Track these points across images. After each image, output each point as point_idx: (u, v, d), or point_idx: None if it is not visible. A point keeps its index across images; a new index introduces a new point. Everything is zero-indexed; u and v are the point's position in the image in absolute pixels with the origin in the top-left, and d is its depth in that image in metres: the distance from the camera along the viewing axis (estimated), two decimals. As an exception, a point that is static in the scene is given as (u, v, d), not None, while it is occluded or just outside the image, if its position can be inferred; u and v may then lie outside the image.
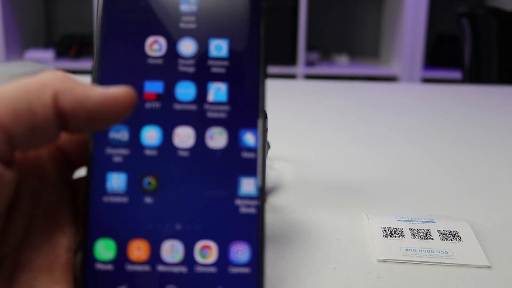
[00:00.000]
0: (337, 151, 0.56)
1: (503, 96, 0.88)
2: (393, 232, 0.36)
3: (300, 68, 2.14)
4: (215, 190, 0.24)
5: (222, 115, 0.24)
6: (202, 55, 0.25)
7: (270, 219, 0.38)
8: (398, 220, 0.38)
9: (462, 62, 1.53)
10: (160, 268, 0.23)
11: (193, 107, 0.24)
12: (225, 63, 0.25)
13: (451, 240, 0.35)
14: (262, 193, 0.24)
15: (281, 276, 0.31)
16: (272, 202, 0.42)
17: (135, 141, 0.24)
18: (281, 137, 0.61)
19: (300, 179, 0.47)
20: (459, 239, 0.35)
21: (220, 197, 0.24)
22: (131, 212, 0.23)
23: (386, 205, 0.42)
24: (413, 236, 0.36)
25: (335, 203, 0.42)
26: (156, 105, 0.24)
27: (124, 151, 0.24)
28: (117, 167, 0.24)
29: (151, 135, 0.24)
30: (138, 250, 0.23)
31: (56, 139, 0.21)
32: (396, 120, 0.70)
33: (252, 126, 0.24)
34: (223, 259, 0.23)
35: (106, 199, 0.23)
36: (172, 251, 0.23)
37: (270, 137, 0.57)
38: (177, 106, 0.24)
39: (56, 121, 0.20)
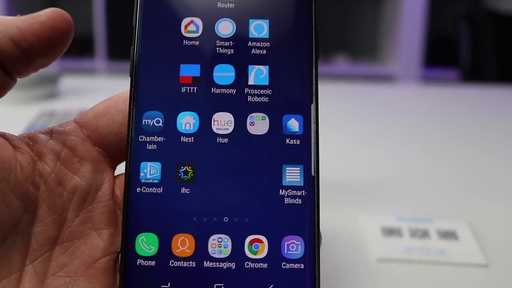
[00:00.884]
0: (337, 151, 0.56)
1: (502, 96, 0.89)
2: (392, 232, 0.37)
3: (299, 68, 2.13)
4: (257, 180, 0.22)
5: (264, 100, 0.23)
6: (242, 36, 0.23)
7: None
8: (397, 220, 0.38)
9: (461, 61, 1.54)
10: (207, 263, 0.21)
11: (232, 91, 0.23)
12: (267, 44, 0.23)
13: (448, 239, 0.36)
14: (314, 183, 0.22)
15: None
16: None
17: (170, 128, 0.22)
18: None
19: (301, 179, 0.47)
20: (457, 238, 0.36)
21: (263, 188, 0.22)
22: (172, 205, 0.22)
23: (385, 204, 0.42)
24: (412, 235, 0.36)
25: (334, 203, 0.42)
26: (193, 89, 0.23)
27: (159, 139, 0.22)
28: (151, 156, 0.22)
29: (187, 121, 0.23)
30: (183, 244, 0.21)
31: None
32: (395, 120, 0.71)
33: (297, 112, 0.23)
34: (275, 254, 0.21)
35: (142, 190, 0.22)
36: (219, 245, 0.21)
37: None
38: (215, 90, 0.23)
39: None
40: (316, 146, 0.22)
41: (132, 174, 0.22)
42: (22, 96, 0.69)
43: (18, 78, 0.21)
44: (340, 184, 0.46)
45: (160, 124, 0.22)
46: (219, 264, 0.21)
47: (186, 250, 0.21)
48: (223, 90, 0.23)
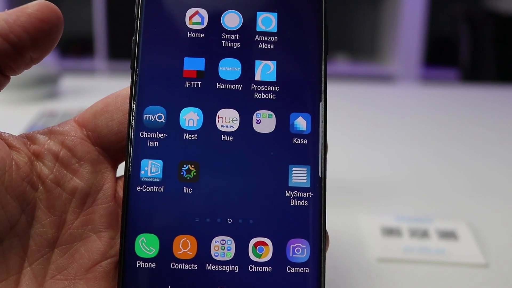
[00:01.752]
0: (337, 151, 0.56)
1: (502, 96, 0.89)
2: (391, 231, 0.37)
3: (299, 67, 2.14)
4: (263, 180, 0.21)
5: (271, 96, 0.22)
6: (249, 30, 0.22)
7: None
8: (396, 220, 0.38)
9: (460, 61, 1.54)
10: (209, 266, 0.20)
11: (238, 87, 0.22)
12: (275, 38, 0.22)
13: (448, 239, 0.36)
14: (320, 184, 0.21)
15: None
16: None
17: (173, 124, 0.21)
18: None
19: (300, 179, 0.47)
20: (456, 238, 0.36)
21: (269, 188, 0.21)
22: (173, 205, 0.21)
23: (385, 204, 0.42)
24: (412, 235, 0.36)
25: (334, 203, 0.42)
26: (197, 84, 0.22)
27: (161, 135, 0.21)
28: (153, 154, 0.21)
29: (191, 118, 0.22)
30: (184, 246, 0.21)
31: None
32: (395, 120, 0.71)
33: (305, 110, 0.22)
34: (280, 257, 0.21)
35: (142, 189, 0.21)
36: (222, 248, 0.21)
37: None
38: (220, 86, 0.22)
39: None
40: (324, 146, 0.22)
41: (132, 172, 0.21)
42: (22, 96, 0.69)
43: (13, 77, 0.21)
44: (340, 184, 0.46)
45: (162, 120, 0.22)
46: (222, 267, 0.20)
47: (188, 252, 0.21)
48: (229, 86, 0.22)
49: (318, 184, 0.22)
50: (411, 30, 1.95)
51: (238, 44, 0.22)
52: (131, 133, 0.21)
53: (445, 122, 0.70)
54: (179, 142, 0.21)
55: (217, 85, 0.22)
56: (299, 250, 0.21)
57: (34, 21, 0.20)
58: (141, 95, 0.22)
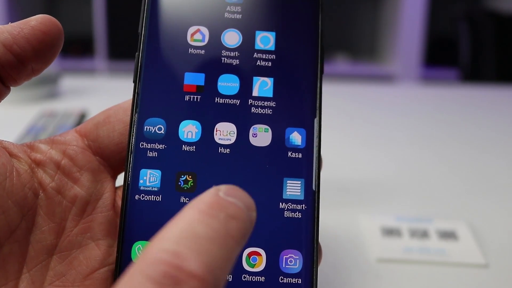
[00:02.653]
0: (336, 151, 0.56)
1: (502, 96, 0.89)
2: (391, 232, 0.37)
3: (299, 67, 2.13)
4: (258, 192, 0.22)
5: (268, 111, 0.23)
6: (248, 47, 0.23)
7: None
8: (396, 220, 0.39)
9: (460, 61, 1.54)
10: None
11: (236, 101, 0.23)
12: (272, 56, 0.23)
13: (448, 239, 0.36)
14: (314, 197, 0.22)
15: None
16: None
17: (172, 135, 0.22)
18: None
19: (300, 180, 0.47)
20: (456, 238, 0.36)
21: (263, 200, 0.22)
22: (170, 214, 0.20)
23: (385, 204, 0.42)
24: (412, 236, 0.36)
25: (334, 203, 0.42)
26: (196, 98, 0.23)
27: (160, 146, 0.22)
28: (151, 164, 0.22)
29: (189, 130, 0.22)
30: None
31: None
32: (395, 120, 0.71)
33: (300, 125, 0.23)
34: (273, 267, 0.21)
35: (140, 197, 0.21)
36: None
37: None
38: (219, 100, 0.23)
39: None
40: (318, 160, 0.22)
41: (131, 181, 0.22)
42: (22, 96, 0.69)
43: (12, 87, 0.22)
44: (340, 184, 0.46)
45: (162, 131, 0.22)
46: None
47: None
48: (227, 100, 0.23)
49: (312, 197, 0.22)
50: (411, 30, 1.96)
51: (237, 61, 0.23)
52: (132, 143, 0.22)
53: (445, 122, 0.70)
54: (177, 153, 0.22)
55: (216, 99, 0.23)
56: (292, 261, 0.21)
57: (37, 33, 0.20)
58: (142, 107, 0.23)
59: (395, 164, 0.53)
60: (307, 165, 0.22)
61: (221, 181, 0.22)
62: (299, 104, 0.23)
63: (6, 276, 0.20)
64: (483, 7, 2.06)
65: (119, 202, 0.23)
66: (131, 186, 0.22)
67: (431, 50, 2.14)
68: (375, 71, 2.10)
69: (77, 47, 2.10)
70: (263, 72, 0.23)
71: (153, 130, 0.22)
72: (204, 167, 0.22)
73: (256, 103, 0.23)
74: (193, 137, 0.22)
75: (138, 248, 0.21)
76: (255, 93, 0.23)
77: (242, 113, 0.23)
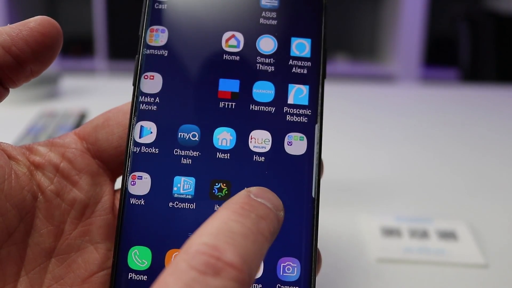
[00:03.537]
0: (336, 151, 0.56)
1: (502, 96, 0.89)
2: (391, 232, 0.37)
3: (299, 67, 2.13)
4: (292, 200, 0.21)
5: (303, 120, 0.22)
6: (283, 54, 0.23)
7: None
8: (396, 220, 0.39)
9: (460, 61, 1.54)
10: None
11: (271, 109, 0.22)
12: (308, 63, 0.23)
13: (448, 239, 0.36)
14: (313, 205, 0.22)
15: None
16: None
17: (168, 140, 0.22)
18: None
19: (300, 180, 0.47)
20: (456, 238, 0.36)
21: (290, 203, 0.21)
22: (164, 220, 0.21)
23: (385, 204, 0.42)
24: (411, 236, 0.36)
25: (334, 203, 0.42)
26: (231, 105, 0.22)
27: (154, 150, 0.22)
28: (150, 167, 0.22)
29: (224, 137, 0.22)
30: None
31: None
32: (395, 120, 0.71)
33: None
34: (271, 275, 0.21)
35: (132, 202, 0.21)
36: None
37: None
38: (254, 107, 0.22)
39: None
40: (318, 168, 0.22)
41: (128, 186, 0.22)
42: (22, 96, 0.69)
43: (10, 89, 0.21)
44: (340, 184, 0.46)
45: (196, 137, 0.22)
46: None
47: None
48: (262, 108, 0.22)
49: (311, 204, 0.22)
50: (411, 30, 1.96)
51: (272, 68, 0.23)
52: (130, 147, 0.22)
53: (445, 122, 0.70)
54: (173, 158, 0.22)
55: (251, 106, 0.22)
56: (289, 268, 0.21)
57: (35, 35, 0.20)
58: (140, 111, 0.22)
59: (395, 164, 0.53)
60: (307, 172, 0.22)
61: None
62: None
63: (4, 279, 0.20)
64: (483, 7, 2.06)
65: (118, 205, 0.23)
66: (128, 190, 0.22)
67: (431, 50, 2.14)
68: (375, 71, 2.10)
69: (77, 47, 2.10)
70: (299, 79, 0.23)
71: (187, 137, 0.22)
72: (202, 172, 0.22)
73: (291, 111, 0.22)
74: (228, 144, 0.22)
75: (135, 253, 0.21)
76: (290, 100, 0.23)
77: (277, 121, 0.22)
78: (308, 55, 0.23)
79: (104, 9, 1.95)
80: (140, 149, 0.22)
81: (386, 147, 0.59)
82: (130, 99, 0.23)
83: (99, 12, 1.96)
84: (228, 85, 0.23)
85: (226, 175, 0.22)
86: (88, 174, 0.23)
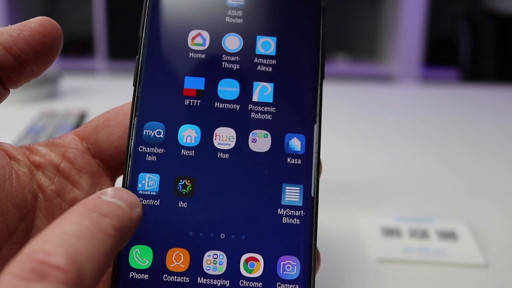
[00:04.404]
0: (336, 151, 0.56)
1: (502, 96, 0.89)
2: (391, 232, 0.37)
3: (299, 67, 2.13)
4: (257, 197, 0.22)
5: (267, 117, 0.23)
6: (248, 52, 0.23)
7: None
8: (396, 220, 0.39)
9: (460, 61, 1.54)
10: (201, 280, 0.21)
11: (236, 106, 0.23)
12: (273, 61, 0.23)
13: (448, 239, 0.36)
14: (312, 204, 0.22)
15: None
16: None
17: (171, 140, 0.22)
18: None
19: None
20: (456, 239, 0.36)
21: (262, 206, 0.22)
22: (168, 218, 0.21)
23: (384, 204, 0.42)
24: (411, 236, 0.36)
25: (334, 203, 0.42)
26: (196, 102, 0.23)
27: (159, 150, 0.22)
28: (150, 168, 0.22)
29: (189, 134, 0.22)
30: (177, 259, 0.21)
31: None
32: (395, 120, 0.71)
33: (299, 131, 0.23)
34: (270, 273, 0.21)
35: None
36: (214, 262, 0.21)
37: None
38: (219, 105, 0.23)
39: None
40: (317, 167, 0.22)
41: (129, 185, 0.22)
42: (22, 96, 0.69)
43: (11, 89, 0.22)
44: (340, 184, 0.46)
45: (161, 135, 0.22)
46: (213, 281, 0.21)
47: (180, 265, 0.21)
48: (227, 105, 0.23)
49: (310, 203, 0.22)
50: (411, 30, 1.96)
51: (238, 66, 0.23)
52: (131, 147, 0.22)
53: (445, 122, 0.70)
54: (176, 158, 0.22)
55: (216, 104, 0.23)
56: (289, 267, 0.21)
57: (36, 35, 0.21)
58: (142, 111, 0.23)
59: (395, 164, 0.53)
60: (306, 172, 0.22)
61: (219, 186, 0.22)
62: (299, 110, 0.23)
63: None
64: (483, 7, 2.06)
65: None
66: (130, 189, 0.22)
67: (431, 50, 2.14)
68: (375, 71, 2.10)
69: (77, 47, 2.10)
70: (264, 77, 0.23)
71: (152, 134, 0.22)
72: (203, 171, 0.22)
73: (256, 108, 0.23)
74: (193, 141, 0.22)
75: (136, 252, 0.21)
76: (255, 98, 0.23)
77: (241, 118, 0.23)
78: (273, 53, 0.23)
79: (104, 9, 1.95)
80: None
81: (386, 147, 0.59)
82: (131, 99, 0.23)
83: (99, 12, 1.96)
84: (193, 83, 0.23)
85: (190, 171, 0.22)
86: (89, 174, 0.23)
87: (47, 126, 0.55)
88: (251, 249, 0.21)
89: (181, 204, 0.22)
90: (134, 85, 0.23)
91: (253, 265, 0.21)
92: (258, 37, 0.23)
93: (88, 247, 0.15)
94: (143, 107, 0.23)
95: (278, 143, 0.22)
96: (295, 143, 0.22)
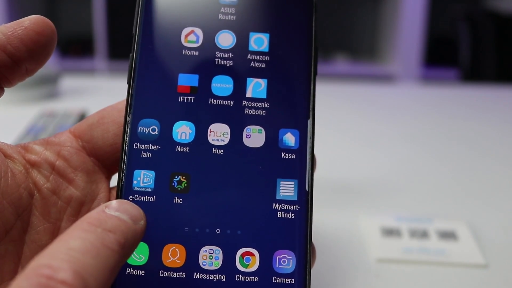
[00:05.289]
0: (336, 151, 0.56)
1: (502, 96, 0.89)
2: (391, 232, 0.37)
3: (299, 67, 2.13)
4: (251, 193, 0.22)
5: (261, 113, 0.23)
6: (241, 49, 0.23)
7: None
8: (396, 220, 0.39)
9: (460, 61, 1.54)
10: (197, 275, 0.21)
11: (229, 102, 0.23)
12: (266, 58, 0.23)
13: (448, 239, 0.36)
14: (307, 198, 0.22)
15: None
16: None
17: (166, 136, 0.22)
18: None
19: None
20: (456, 239, 0.36)
21: (257, 201, 0.22)
22: (164, 214, 0.21)
23: (384, 204, 0.42)
24: (411, 236, 0.36)
25: (334, 203, 0.42)
26: (190, 99, 0.23)
27: (154, 147, 0.22)
28: (145, 164, 0.22)
29: (183, 131, 0.22)
30: (173, 255, 0.21)
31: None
32: (395, 120, 0.71)
33: (293, 126, 0.23)
34: (266, 267, 0.21)
35: (134, 198, 0.22)
36: (210, 257, 0.21)
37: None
38: (213, 101, 0.23)
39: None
40: (311, 161, 0.22)
41: (125, 182, 0.22)
42: (22, 96, 0.69)
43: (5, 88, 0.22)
44: (340, 184, 0.46)
45: (156, 132, 0.22)
46: (209, 276, 0.21)
47: (176, 260, 0.21)
48: (221, 102, 0.23)
49: (305, 197, 0.22)
50: (411, 30, 1.96)
51: (231, 63, 0.23)
52: (125, 144, 0.22)
53: (445, 122, 0.70)
54: (171, 154, 0.22)
55: (210, 100, 0.23)
56: (285, 261, 0.21)
57: (30, 34, 0.21)
58: (136, 108, 0.23)
59: (395, 164, 0.53)
60: (300, 166, 0.22)
61: (214, 182, 0.22)
62: (292, 106, 0.23)
63: (2, 276, 0.20)
64: (483, 7, 2.06)
65: None
66: (125, 186, 0.22)
67: (431, 50, 2.14)
68: (375, 71, 2.10)
69: (77, 47, 2.10)
70: (257, 73, 0.23)
71: (147, 131, 0.22)
72: (198, 168, 0.22)
73: (249, 104, 0.23)
74: (187, 138, 0.22)
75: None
76: (248, 94, 0.23)
77: (235, 114, 0.23)
78: (267, 50, 0.23)
79: (104, 9, 1.95)
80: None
81: (386, 147, 0.59)
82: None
83: (99, 12, 1.96)
84: (187, 80, 0.23)
85: (185, 168, 0.22)
86: (84, 171, 0.23)
87: (47, 126, 0.55)
88: (246, 244, 0.21)
89: (177, 200, 0.22)
90: (128, 82, 0.23)
91: (249, 260, 0.21)
92: (251, 33, 0.24)
93: (93, 262, 0.16)
94: (138, 104, 0.23)
95: (272, 139, 0.23)
96: (289, 138, 0.23)
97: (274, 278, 0.21)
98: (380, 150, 0.57)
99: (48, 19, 0.21)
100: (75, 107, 0.64)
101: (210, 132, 0.22)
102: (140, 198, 0.22)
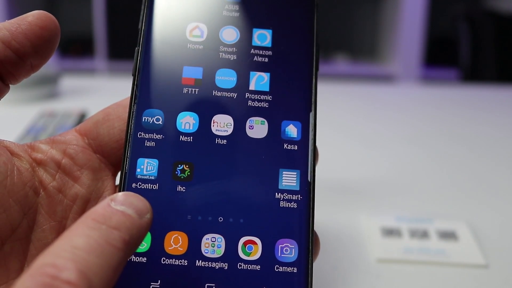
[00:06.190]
0: (336, 151, 0.56)
1: (502, 96, 0.89)
2: (391, 232, 0.37)
3: (299, 67, 2.13)
4: (254, 182, 0.22)
5: (264, 105, 0.23)
6: (245, 44, 0.24)
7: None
8: (396, 220, 0.39)
9: (460, 61, 1.54)
10: (199, 263, 0.21)
11: (233, 95, 0.23)
12: (269, 52, 0.24)
13: (448, 239, 0.36)
14: (309, 188, 0.22)
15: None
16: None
17: (169, 126, 0.23)
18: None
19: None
20: (456, 239, 0.36)
21: (259, 190, 0.22)
22: (166, 202, 0.22)
23: (385, 205, 0.42)
24: (412, 236, 0.36)
25: (334, 203, 0.42)
26: (194, 91, 0.23)
27: (158, 136, 0.22)
28: (149, 153, 0.22)
29: (187, 121, 0.23)
30: (176, 242, 0.21)
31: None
32: (395, 120, 0.71)
33: (295, 118, 0.23)
34: (269, 256, 0.21)
35: (138, 186, 0.22)
36: (213, 245, 0.21)
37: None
38: (217, 93, 0.23)
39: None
40: (313, 153, 0.23)
41: (128, 170, 0.22)
42: (22, 96, 0.69)
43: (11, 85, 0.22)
44: (340, 184, 0.46)
45: (160, 122, 0.23)
46: (211, 264, 0.21)
47: (178, 248, 0.21)
48: (224, 93, 0.23)
49: (307, 187, 0.22)
50: (411, 30, 1.96)
51: (234, 56, 0.24)
52: (130, 133, 0.22)
53: (445, 122, 0.70)
54: (174, 143, 0.22)
55: (213, 92, 0.23)
56: (287, 250, 0.21)
57: (34, 29, 0.21)
58: (141, 98, 0.23)
59: (395, 164, 0.53)
60: (302, 157, 0.23)
61: (217, 171, 0.22)
62: (294, 98, 0.24)
63: (8, 274, 0.20)
64: (483, 7, 2.06)
65: None
66: (129, 174, 0.22)
67: (431, 50, 2.14)
68: (375, 71, 2.10)
69: (77, 47, 2.10)
70: (260, 67, 0.24)
71: (151, 121, 0.23)
72: (201, 157, 0.22)
73: (252, 96, 0.23)
74: (191, 128, 0.23)
75: None
76: (251, 87, 0.24)
77: (239, 106, 0.23)
78: (269, 45, 0.24)
79: (104, 9, 1.95)
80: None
81: (386, 147, 0.59)
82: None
83: (99, 12, 1.96)
84: (192, 72, 0.24)
85: (188, 157, 0.22)
86: (90, 169, 0.23)
87: (47, 126, 0.55)
88: (249, 232, 0.21)
89: (180, 188, 0.22)
90: (134, 74, 0.23)
91: (251, 248, 0.21)
92: (254, 29, 0.24)
93: (97, 261, 0.16)
94: (142, 94, 0.23)
95: (275, 130, 0.23)
96: (292, 130, 0.23)
97: (276, 266, 0.21)
98: (380, 150, 0.57)
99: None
100: (75, 107, 0.64)
101: (213, 122, 0.23)
102: (143, 186, 0.22)
